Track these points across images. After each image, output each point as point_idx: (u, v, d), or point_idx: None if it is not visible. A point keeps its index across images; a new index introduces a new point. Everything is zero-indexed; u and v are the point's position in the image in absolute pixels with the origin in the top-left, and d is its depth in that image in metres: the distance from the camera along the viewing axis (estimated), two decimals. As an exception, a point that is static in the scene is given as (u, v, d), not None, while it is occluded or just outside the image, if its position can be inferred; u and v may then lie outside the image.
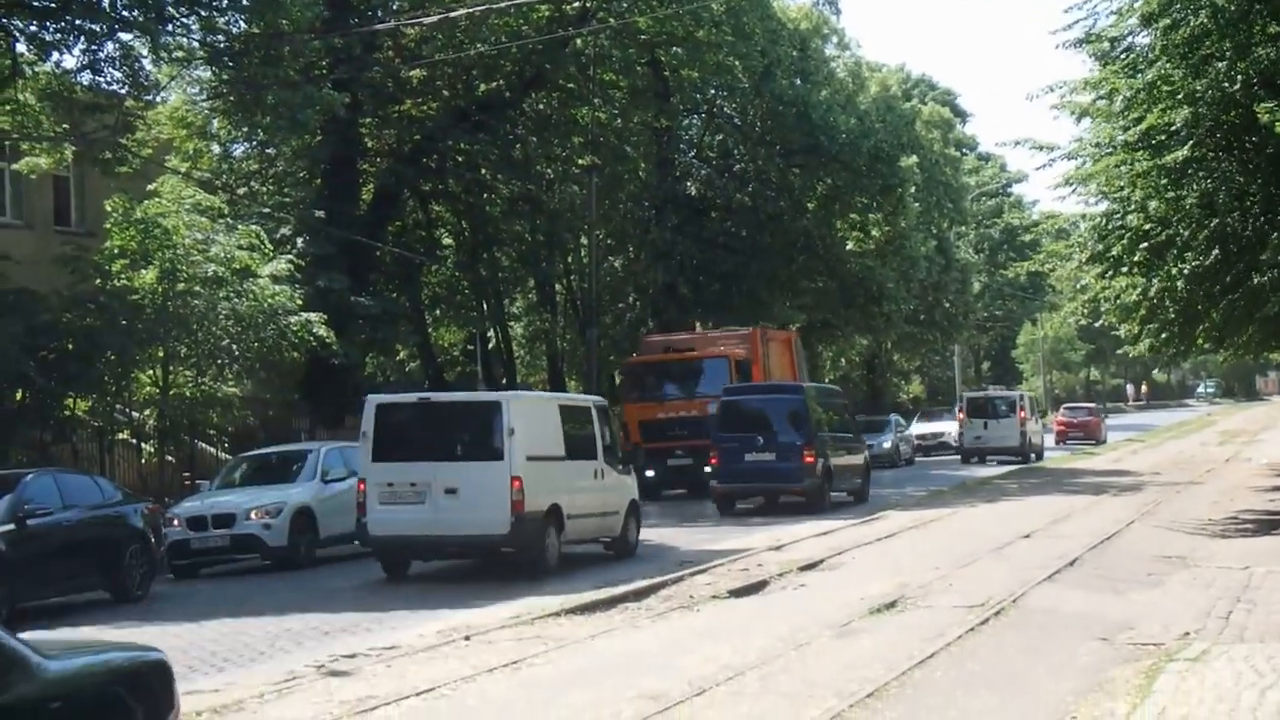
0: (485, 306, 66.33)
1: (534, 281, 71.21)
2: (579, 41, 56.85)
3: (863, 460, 49.05)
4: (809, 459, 42.98)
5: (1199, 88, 30.25)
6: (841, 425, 48.94)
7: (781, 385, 50.28)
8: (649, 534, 36.47)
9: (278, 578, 31.04)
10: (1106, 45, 34.02)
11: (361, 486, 29.76)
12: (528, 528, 28.68)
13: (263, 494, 33.34)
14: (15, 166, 47.21)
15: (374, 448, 29.65)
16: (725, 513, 43.44)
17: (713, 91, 69.41)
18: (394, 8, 52.38)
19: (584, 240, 66.30)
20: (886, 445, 69.64)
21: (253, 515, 32.26)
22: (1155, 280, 34.44)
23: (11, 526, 25.22)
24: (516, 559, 29.56)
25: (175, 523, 32.42)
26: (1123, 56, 33.64)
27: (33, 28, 38.77)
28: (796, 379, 54.65)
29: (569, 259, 70.68)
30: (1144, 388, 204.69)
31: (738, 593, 24.52)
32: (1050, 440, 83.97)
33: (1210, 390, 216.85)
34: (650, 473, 47.04)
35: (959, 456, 73.41)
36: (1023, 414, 71.56)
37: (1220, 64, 30.09)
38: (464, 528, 28.93)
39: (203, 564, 32.89)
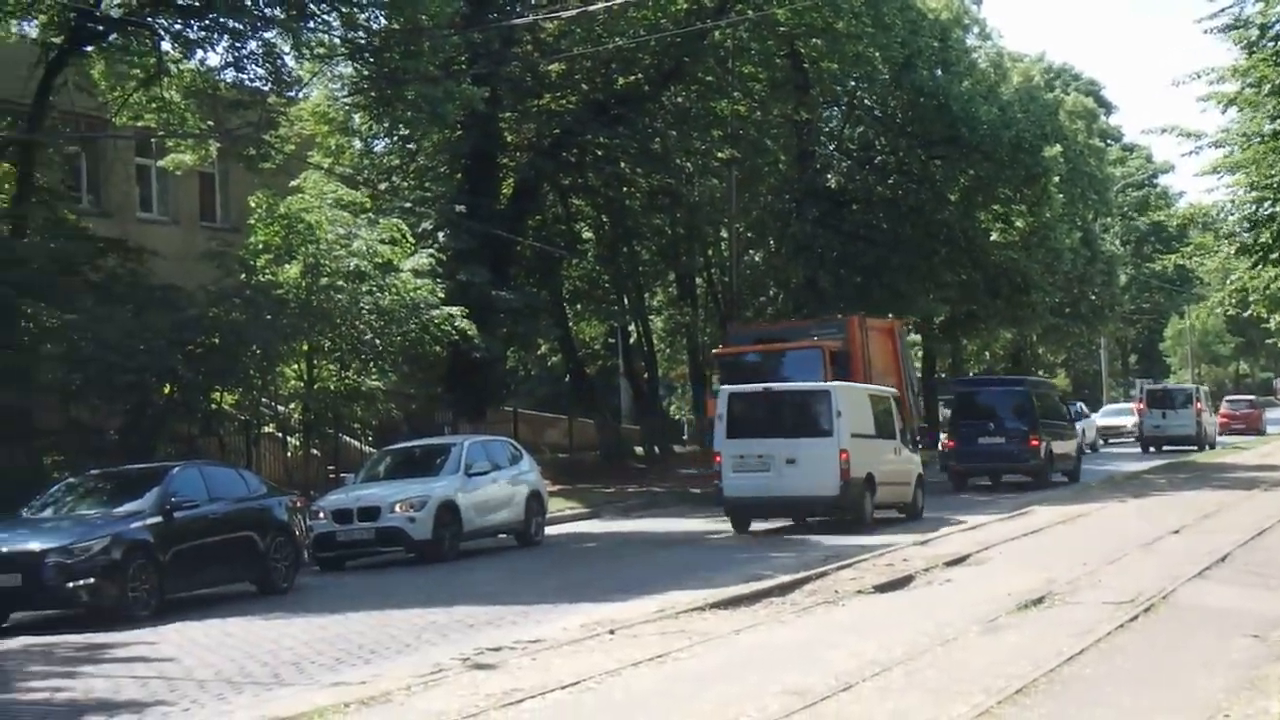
0: (626, 300, 66.54)
1: (674, 275, 71.30)
2: (717, 34, 56.56)
3: (1075, 445, 56.54)
4: (1034, 443, 50.34)
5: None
6: (1056, 414, 56.04)
7: (1007, 379, 63.93)
8: (793, 531, 36.75)
9: (422, 570, 31.15)
10: (1255, 33, 33.73)
11: (718, 459, 37.75)
12: (852, 490, 36.68)
13: (407, 487, 33.55)
14: (161, 163, 47.91)
15: (727, 428, 37.45)
16: (960, 489, 50.16)
17: (853, 83, 68.84)
18: (532, 2, 52.60)
19: (724, 234, 65.79)
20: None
21: (397, 508, 32.38)
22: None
23: (159, 519, 25.48)
24: (844, 516, 36.84)
25: (321, 516, 32.83)
26: (1271, 44, 33.34)
27: (177, 26, 39.29)
28: (900, 370, 52.85)
29: (709, 252, 70.52)
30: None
31: (883, 588, 24.38)
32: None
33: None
34: None
35: (1138, 446, 78.31)
36: (1199, 405, 77.40)
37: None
38: (802, 490, 36.75)
39: (348, 556, 33.18)
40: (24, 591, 24.21)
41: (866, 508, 37.55)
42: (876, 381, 47.55)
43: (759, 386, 40.21)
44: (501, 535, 35.96)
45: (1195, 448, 74.16)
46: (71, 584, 23.74)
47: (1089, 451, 71.68)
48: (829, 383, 41.12)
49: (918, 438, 50.36)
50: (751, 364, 48.09)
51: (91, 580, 23.79)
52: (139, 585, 24.48)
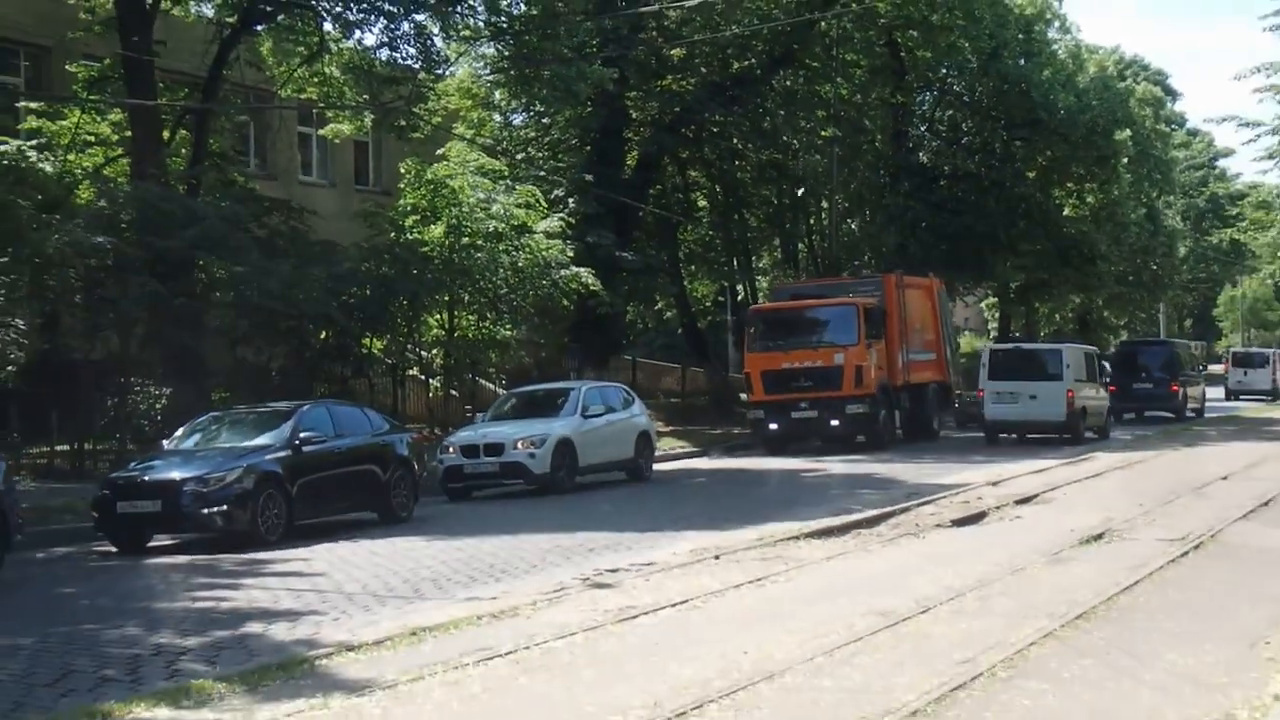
0: (735, 263, 66.30)
1: (779, 240, 71.13)
2: (824, 24, 56.62)
3: (1201, 390, 64.84)
4: (1174, 389, 59.23)
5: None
6: (1191, 366, 65.32)
7: (1156, 340, 73.68)
8: (880, 468, 36.39)
9: (541, 501, 31.14)
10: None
11: (980, 394, 46.23)
12: (1074, 418, 44.75)
13: (529, 426, 33.34)
14: (322, 132, 48.28)
15: (989, 373, 45.47)
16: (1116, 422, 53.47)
17: (944, 70, 68.82)
18: (658, -8, 52.43)
19: (825, 204, 65.91)
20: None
21: (519, 445, 32.27)
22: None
23: (288, 452, 25.36)
24: (1069, 437, 44.65)
25: (451, 450, 32.86)
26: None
27: (338, 9, 39.39)
28: (938, 327, 51.23)
29: (811, 221, 70.35)
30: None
31: (959, 522, 24.20)
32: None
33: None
34: (773, 426, 44.06)
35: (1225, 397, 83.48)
36: (1277, 365, 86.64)
37: None
38: (1039, 416, 44.90)
39: (474, 487, 33.11)
40: (164, 516, 24.22)
41: (1080, 429, 45.30)
42: (913, 337, 47.87)
43: (1010, 345, 48.77)
44: (615, 471, 35.75)
45: (1271, 398, 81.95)
46: (206, 510, 23.73)
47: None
48: (1061, 344, 50.13)
49: (959, 390, 52.55)
50: (788, 319, 46.09)
51: (225, 507, 23.77)
52: (268, 512, 24.43)
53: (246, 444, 25.77)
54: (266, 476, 24.61)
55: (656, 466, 38.29)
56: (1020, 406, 44.95)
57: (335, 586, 19.05)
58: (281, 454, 25.29)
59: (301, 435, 25.73)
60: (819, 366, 43.71)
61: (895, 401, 46.32)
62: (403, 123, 42.31)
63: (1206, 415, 61.49)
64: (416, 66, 41.98)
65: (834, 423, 43.48)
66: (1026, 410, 44.92)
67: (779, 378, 44.10)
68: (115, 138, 40.17)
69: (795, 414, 43.91)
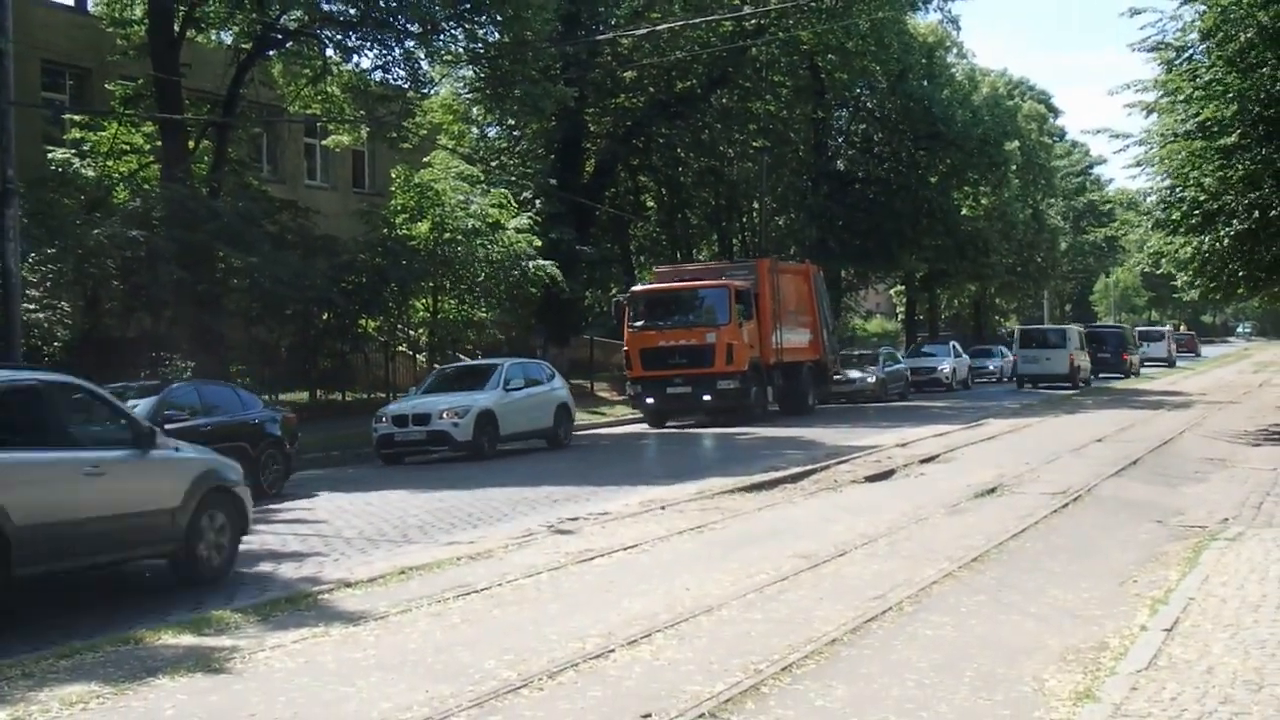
0: (679, 255, 66.37)
1: (717, 236, 71.53)
2: (755, 50, 56.42)
3: (1135, 360, 75.37)
4: (1125, 357, 72.18)
5: (1246, 88, 29.78)
6: (1132, 343, 76.66)
7: (1112, 325, 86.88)
8: (803, 432, 36.36)
9: (469, 465, 29.80)
10: (1172, 54, 33.34)
11: (1014, 359, 63.85)
12: (1073, 373, 60.89)
13: (454, 398, 31.77)
14: (324, 143, 48.24)
15: (1020, 343, 62.81)
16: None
17: (858, 90, 69.05)
18: (612, 22, 52.35)
19: (756, 204, 66.00)
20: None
21: (444, 415, 30.81)
22: (1207, 240, 33.88)
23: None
24: (1071, 385, 59.96)
25: (384, 421, 31.29)
26: (1184, 63, 32.93)
27: (339, 37, 39.21)
28: (814, 309, 46.73)
29: (744, 219, 70.97)
30: (1182, 327, 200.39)
31: (871, 479, 24.19)
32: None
33: (1247, 330, 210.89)
34: (650, 400, 41.26)
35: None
36: (1170, 340, 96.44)
37: (1264, 69, 29.63)
38: (1052, 371, 60.84)
39: (404, 454, 31.44)
40: None
41: (1077, 379, 61.14)
42: (788, 320, 44.47)
43: (1035, 327, 64.81)
44: (535, 440, 34.34)
45: (1167, 365, 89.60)
46: None
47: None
48: (1068, 326, 67.43)
49: (838, 369, 50.02)
50: (664, 300, 42.12)
51: None
52: None
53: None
54: None
55: (607, 431, 37.67)
56: (1039, 366, 60.85)
57: (335, 532, 19.07)
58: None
59: (165, 413, 22.45)
60: (692, 345, 40.30)
61: (768, 378, 42.85)
62: (394, 135, 42.59)
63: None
64: (406, 86, 41.92)
65: (706, 398, 40.37)
66: (1042, 368, 60.71)
67: (656, 355, 40.76)
68: (147, 147, 40.20)
69: (670, 389, 40.65)
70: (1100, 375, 68.04)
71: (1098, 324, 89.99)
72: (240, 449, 22.85)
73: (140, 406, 21.33)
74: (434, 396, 32.34)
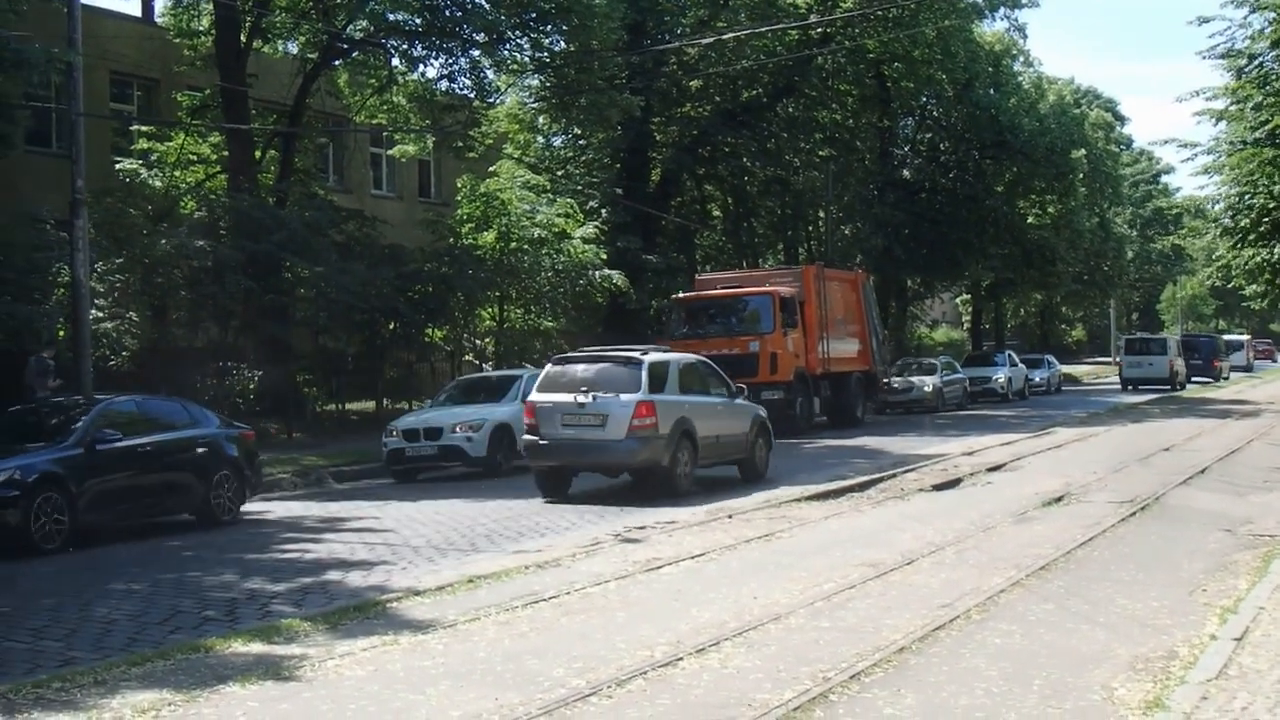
0: (744, 264, 66.24)
1: (782, 245, 71.40)
2: (821, 59, 56.50)
3: (1228, 366, 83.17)
4: (1216, 364, 78.56)
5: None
6: (1224, 350, 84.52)
7: (1203, 334, 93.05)
8: (868, 440, 36.25)
9: (486, 482, 27.87)
10: (1243, 61, 33.11)
11: (1120, 364, 68.73)
12: (1173, 376, 65.56)
13: (469, 411, 29.72)
14: (390, 153, 48.46)
15: (1126, 350, 68.12)
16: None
17: (924, 98, 68.69)
18: (678, 31, 52.45)
19: (821, 214, 65.93)
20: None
21: (457, 429, 28.78)
22: (1277, 248, 33.60)
23: (80, 451, 19.71)
24: (1170, 387, 64.38)
25: (394, 434, 29.40)
26: (1255, 70, 32.70)
27: (405, 47, 39.46)
28: (863, 319, 45.17)
29: (810, 228, 70.81)
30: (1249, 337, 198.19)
31: (938, 487, 24.15)
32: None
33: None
34: None
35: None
36: (1249, 348, 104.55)
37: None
38: (1154, 375, 66.15)
39: (416, 470, 29.38)
40: None
41: (1176, 382, 66.20)
42: (835, 329, 42.80)
43: (1137, 336, 71.84)
44: None
45: (1248, 371, 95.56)
46: None
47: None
48: (1164, 334, 75.29)
49: (888, 377, 48.97)
50: (707, 308, 40.58)
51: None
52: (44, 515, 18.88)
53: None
54: (47, 477, 19.09)
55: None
56: (1142, 370, 67.23)
57: (403, 541, 19.07)
58: (69, 454, 19.59)
59: (100, 431, 20.17)
60: (735, 354, 37.40)
61: (814, 389, 40.92)
62: (459, 144, 42.56)
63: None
64: (471, 96, 42.04)
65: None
66: (1145, 372, 66.97)
67: None
68: (214, 157, 40.45)
69: None
70: (1193, 379, 73.18)
71: (1192, 333, 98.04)
72: (189, 471, 21.65)
73: (80, 424, 20.22)
74: (448, 409, 30.55)
